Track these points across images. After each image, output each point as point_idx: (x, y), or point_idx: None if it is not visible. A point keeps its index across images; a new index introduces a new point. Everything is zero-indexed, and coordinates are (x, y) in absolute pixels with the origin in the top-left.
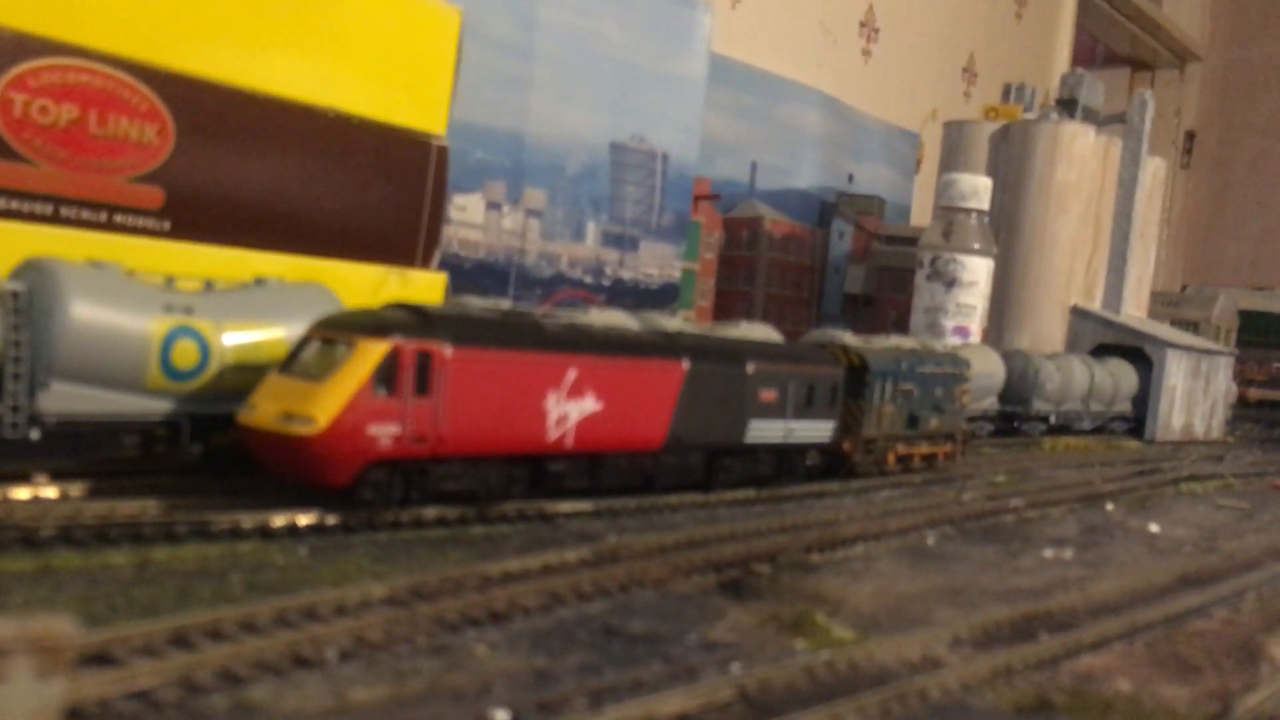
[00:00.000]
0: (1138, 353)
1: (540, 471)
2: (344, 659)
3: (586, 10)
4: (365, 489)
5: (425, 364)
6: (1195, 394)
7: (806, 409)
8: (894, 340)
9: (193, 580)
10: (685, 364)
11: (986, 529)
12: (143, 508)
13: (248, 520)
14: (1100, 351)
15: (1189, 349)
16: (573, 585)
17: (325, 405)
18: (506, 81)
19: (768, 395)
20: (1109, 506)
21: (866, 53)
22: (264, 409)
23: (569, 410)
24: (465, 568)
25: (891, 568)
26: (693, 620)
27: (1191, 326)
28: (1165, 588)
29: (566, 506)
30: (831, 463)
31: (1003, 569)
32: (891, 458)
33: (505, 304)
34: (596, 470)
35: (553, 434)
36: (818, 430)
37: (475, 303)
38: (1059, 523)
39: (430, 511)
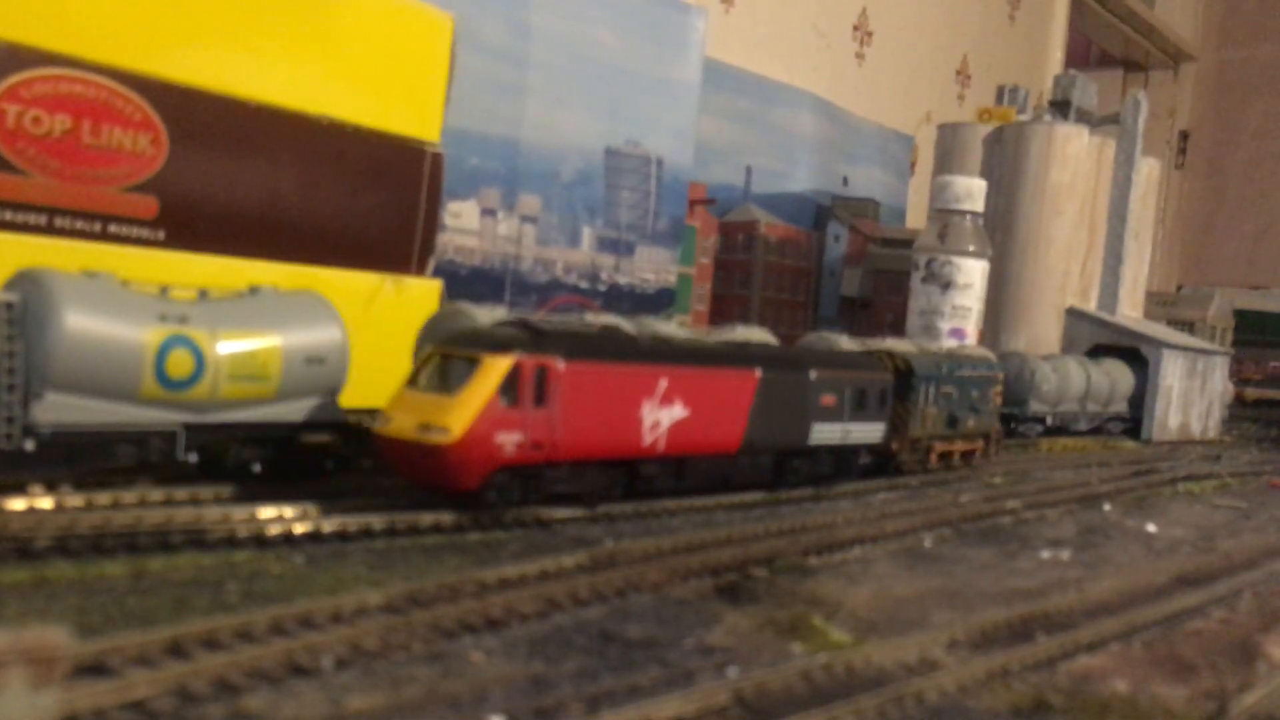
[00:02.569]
0: (1134, 353)
1: (634, 474)
2: (340, 667)
3: (580, 16)
4: (490, 492)
5: (542, 377)
6: (1192, 394)
7: (860, 412)
8: (892, 343)
9: (188, 590)
10: (758, 372)
11: (983, 531)
12: (138, 518)
13: (243, 529)
14: (1096, 352)
15: (1185, 349)
16: (569, 591)
17: (458, 416)
18: (500, 88)
19: (827, 400)
20: (1106, 507)
21: (860, 56)
22: (400, 421)
23: (661, 417)
24: (462, 574)
25: (888, 570)
26: (690, 625)
27: (1187, 326)
28: (1162, 588)
29: (563, 513)
30: (880, 461)
31: (1000, 570)
32: (934, 456)
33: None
34: (682, 472)
35: (647, 439)
36: (870, 431)
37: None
38: (1056, 524)
39: (427, 518)
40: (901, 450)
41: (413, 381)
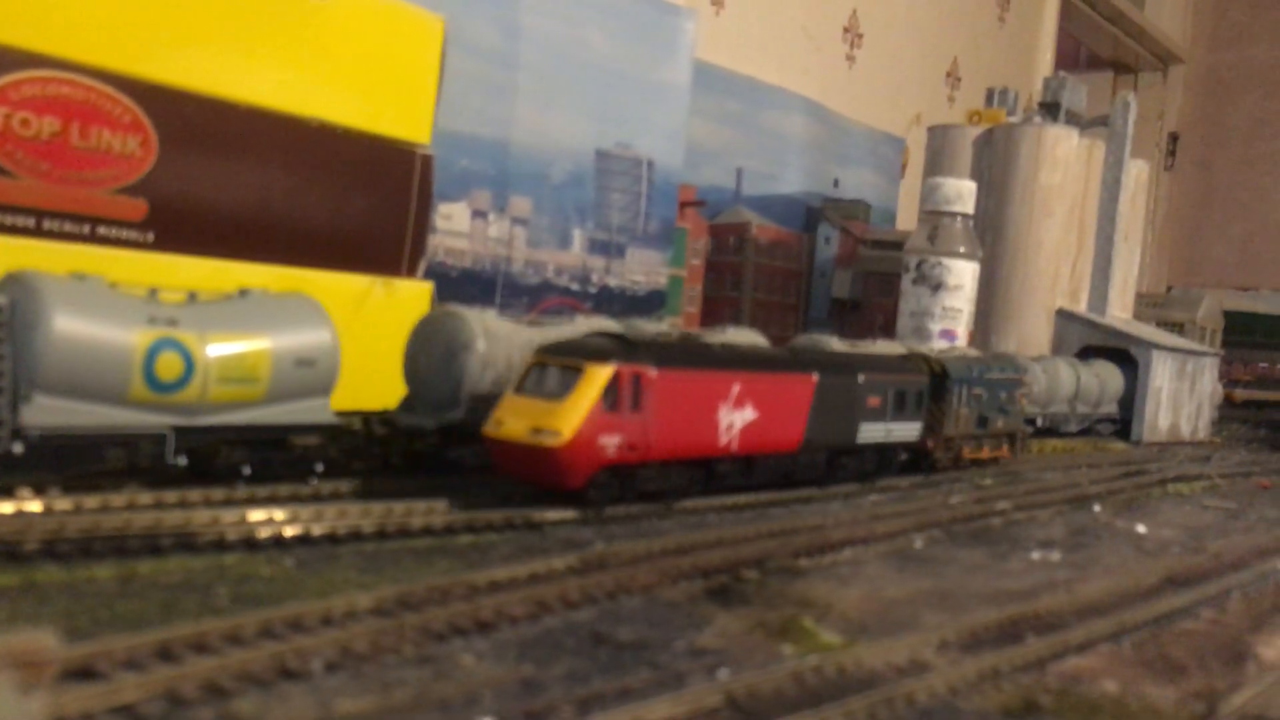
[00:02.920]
0: (1124, 354)
1: (710, 472)
2: (330, 670)
3: (570, 18)
4: (592, 490)
5: (637, 384)
6: (1181, 395)
7: (900, 412)
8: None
9: (178, 593)
10: (815, 377)
11: (974, 532)
12: (127, 521)
13: (233, 532)
14: (1086, 353)
15: (1174, 350)
16: (560, 593)
17: (567, 420)
18: (491, 90)
19: (873, 401)
20: (1096, 508)
21: (850, 58)
22: (511, 425)
23: (734, 419)
24: (452, 577)
25: (879, 572)
26: (680, 627)
27: (1177, 328)
28: (1152, 588)
29: (553, 515)
30: (916, 459)
31: (990, 572)
32: (965, 454)
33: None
34: (750, 470)
35: (723, 440)
36: (909, 431)
37: (644, 325)
38: (1046, 525)
39: (417, 521)
40: (936, 448)
41: (519, 388)
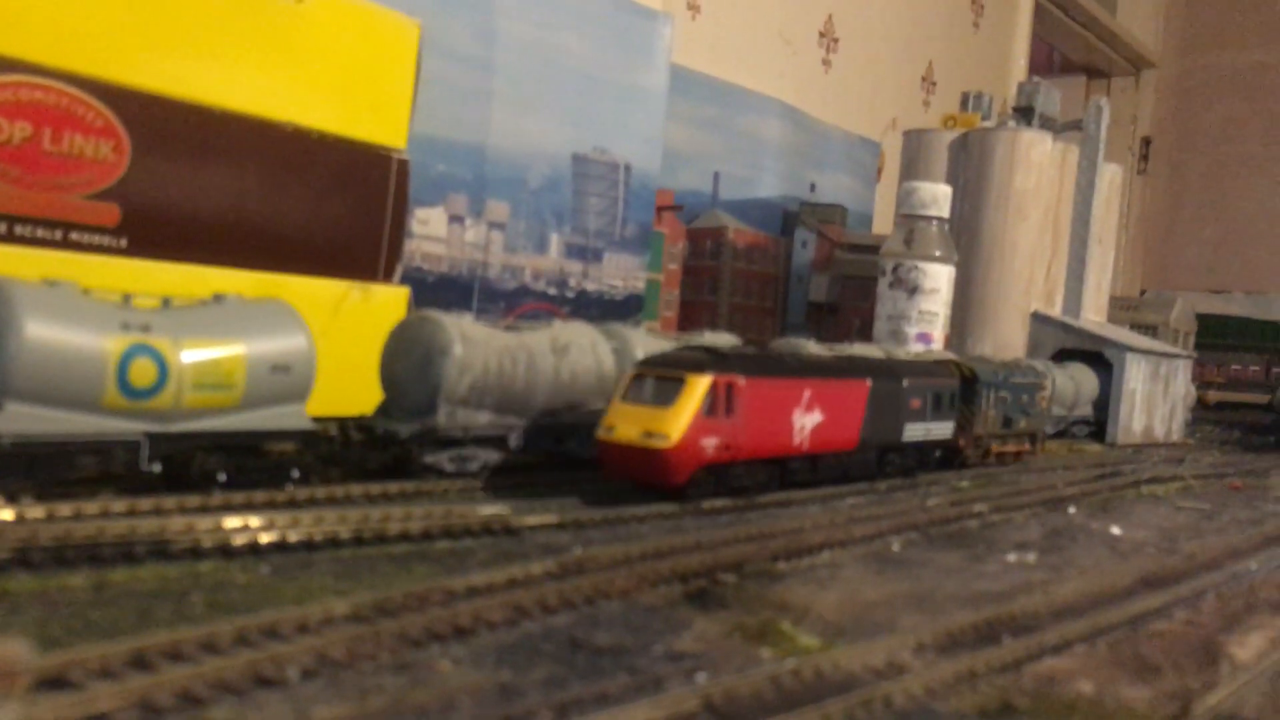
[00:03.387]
0: (1098, 357)
1: (784, 469)
2: (306, 677)
3: (546, 23)
4: (691, 487)
5: (730, 391)
6: (1155, 397)
7: (936, 413)
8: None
9: (152, 601)
10: (869, 382)
11: (951, 534)
12: (100, 529)
13: (208, 539)
14: (1061, 356)
15: (1148, 353)
16: (538, 598)
17: (675, 425)
18: (467, 94)
19: (915, 403)
20: (1071, 510)
21: (826, 63)
22: (623, 430)
23: (805, 422)
24: (429, 583)
25: (857, 575)
26: (659, 631)
27: (1150, 330)
28: (1127, 589)
29: (532, 520)
30: (949, 456)
31: (967, 574)
32: (992, 451)
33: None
34: (816, 467)
35: (796, 440)
36: (944, 430)
37: (718, 338)
38: (1022, 527)
39: (394, 527)
40: (967, 446)
41: (624, 397)
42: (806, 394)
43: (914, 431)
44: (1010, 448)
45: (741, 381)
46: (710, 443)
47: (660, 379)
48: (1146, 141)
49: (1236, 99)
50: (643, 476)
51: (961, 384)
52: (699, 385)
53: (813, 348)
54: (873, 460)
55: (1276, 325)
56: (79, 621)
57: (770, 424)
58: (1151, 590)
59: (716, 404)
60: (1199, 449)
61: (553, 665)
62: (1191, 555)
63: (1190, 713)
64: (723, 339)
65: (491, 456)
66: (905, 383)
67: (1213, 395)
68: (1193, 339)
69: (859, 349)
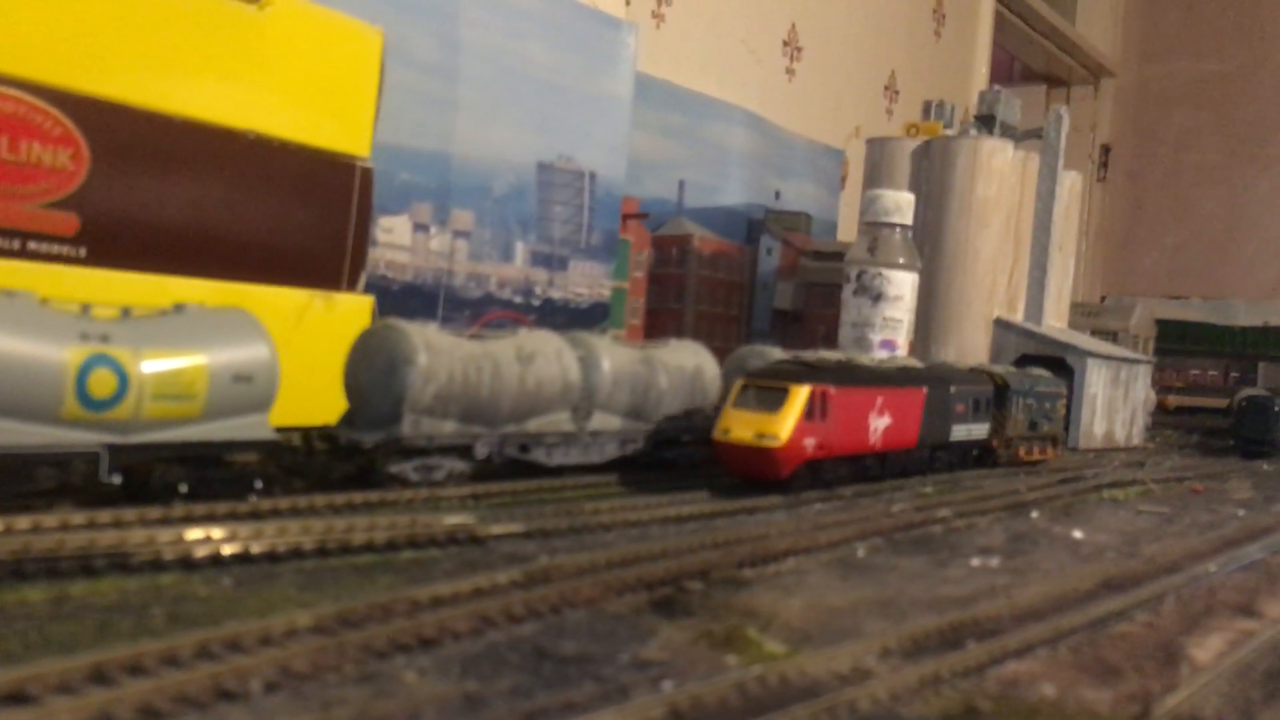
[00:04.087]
0: (1060, 362)
1: (861, 465)
2: (269, 690)
3: (511, 31)
4: (794, 480)
5: (824, 399)
6: (1116, 402)
7: (975, 416)
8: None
9: (112, 614)
10: (925, 389)
11: (915, 540)
12: (59, 541)
13: (169, 551)
14: (1023, 362)
15: (1109, 358)
16: (504, 608)
17: (783, 427)
18: (431, 103)
19: (960, 408)
20: (1034, 514)
21: (790, 71)
22: (738, 432)
23: (878, 424)
24: (394, 593)
25: (822, 581)
26: (625, 639)
27: (1111, 336)
28: (1088, 593)
29: (498, 529)
30: (984, 455)
31: (931, 579)
32: (1020, 452)
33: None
34: (885, 463)
35: (871, 439)
36: (981, 431)
37: (774, 351)
38: (986, 531)
39: (359, 537)
40: (999, 446)
41: (736, 403)
42: (879, 400)
43: (959, 432)
44: (1036, 446)
45: (833, 390)
46: (810, 442)
47: (767, 389)
48: (1106, 149)
49: (1194, 108)
50: (755, 471)
51: (995, 391)
52: (800, 394)
53: (778, 354)
54: (926, 457)
55: (1235, 331)
56: (37, 636)
57: (853, 426)
58: (1113, 593)
59: (814, 409)
60: (1159, 453)
61: (518, 675)
62: (1152, 558)
63: (1151, 714)
64: (688, 348)
65: (457, 466)
66: (952, 390)
67: (1173, 400)
68: (1153, 344)
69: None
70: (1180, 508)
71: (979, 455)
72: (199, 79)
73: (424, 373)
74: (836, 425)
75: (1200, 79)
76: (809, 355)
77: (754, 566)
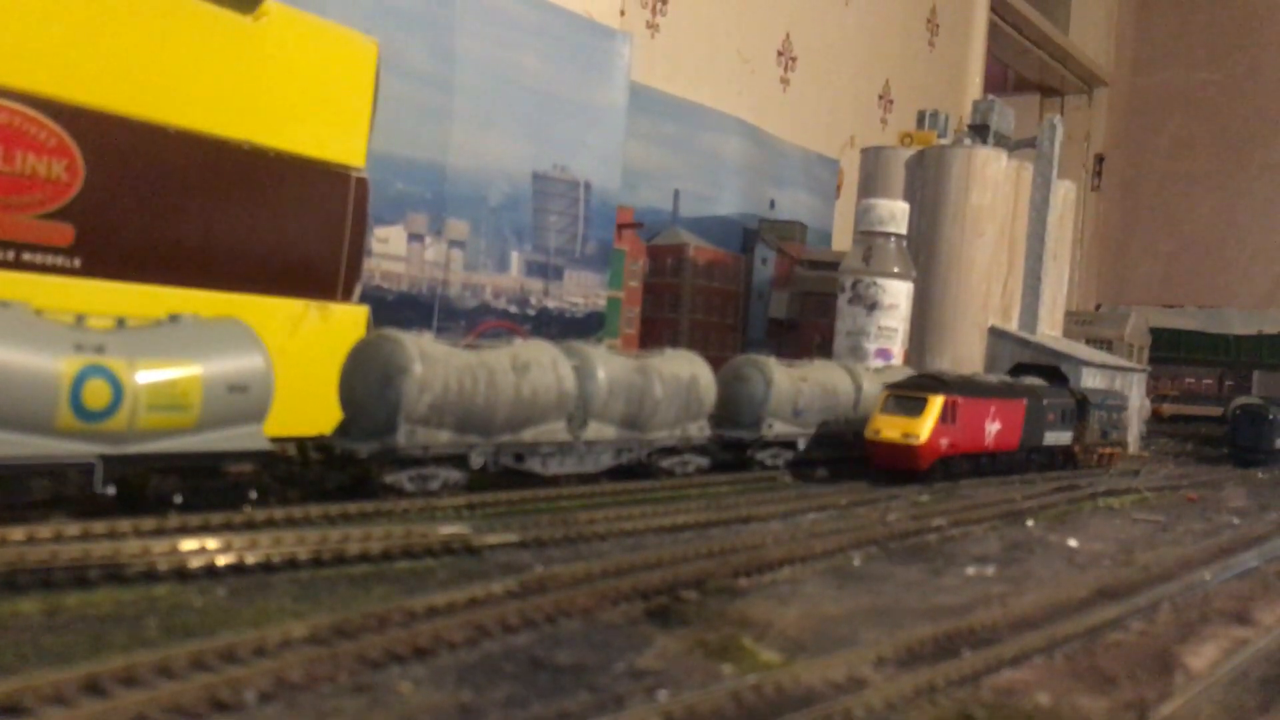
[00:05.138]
0: (1054, 371)
1: (977, 462)
2: (264, 701)
3: (505, 41)
4: (931, 472)
5: (954, 406)
6: None
7: (1061, 424)
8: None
9: (106, 626)
10: (1025, 400)
11: (911, 548)
12: (53, 553)
13: (164, 562)
14: (1018, 371)
15: (1103, 366)
16: (499, 618)
17: (924, 429)
18: (426, 113)
19: (1051, 417)
20: (1029, 523)
21: (785, 81)
22: (887, 432)
23: (991, 429)
24: (389, 603)
25: (818, 590)
26: (620, 649)
27: (1106, 344)
28: (1084, 601)
29: (493, 538)
30: (1066, 458)
31: (926, 588)
32: (1095, 456)
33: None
34: (995, 462)
35: (986, 441)
36: (1066, 437)
37: (769, 360)
38: (981, 540)
39: (354, 547)
40: (1079, 450)
41: (883, 409)
42: (992, 409)
43: (1049, 438)
44: (1106, 451)
45: (960, 400)
46: (943, 441)
47: (909, 398)
48: (1100, 158)
49: (1188, 117)
50: (900, 464)
51: (1077, 404)
52: (936, 402)
53: (775, 364)
54: (1024, 458)
55: (1229, 339)
56: (31, 647)
57: (974, 430)
58: (1108, 602)
59: (946, 415)
60: (1154, 461)
61: (513, 685)
62: (1147, 567)
63: None
64: (683, 357)
65: (452, 475)
66: (1045, 402)
67: (1167, 408)
68: (1147, 353)
69: (818, 366)
70: (1175, 516)
71: (1063, 459)
72: (194, 90)
73: (419, 382)
74: (962, 428)
75: (1193, 88)
76: (938, 371)
77: (749, 575)
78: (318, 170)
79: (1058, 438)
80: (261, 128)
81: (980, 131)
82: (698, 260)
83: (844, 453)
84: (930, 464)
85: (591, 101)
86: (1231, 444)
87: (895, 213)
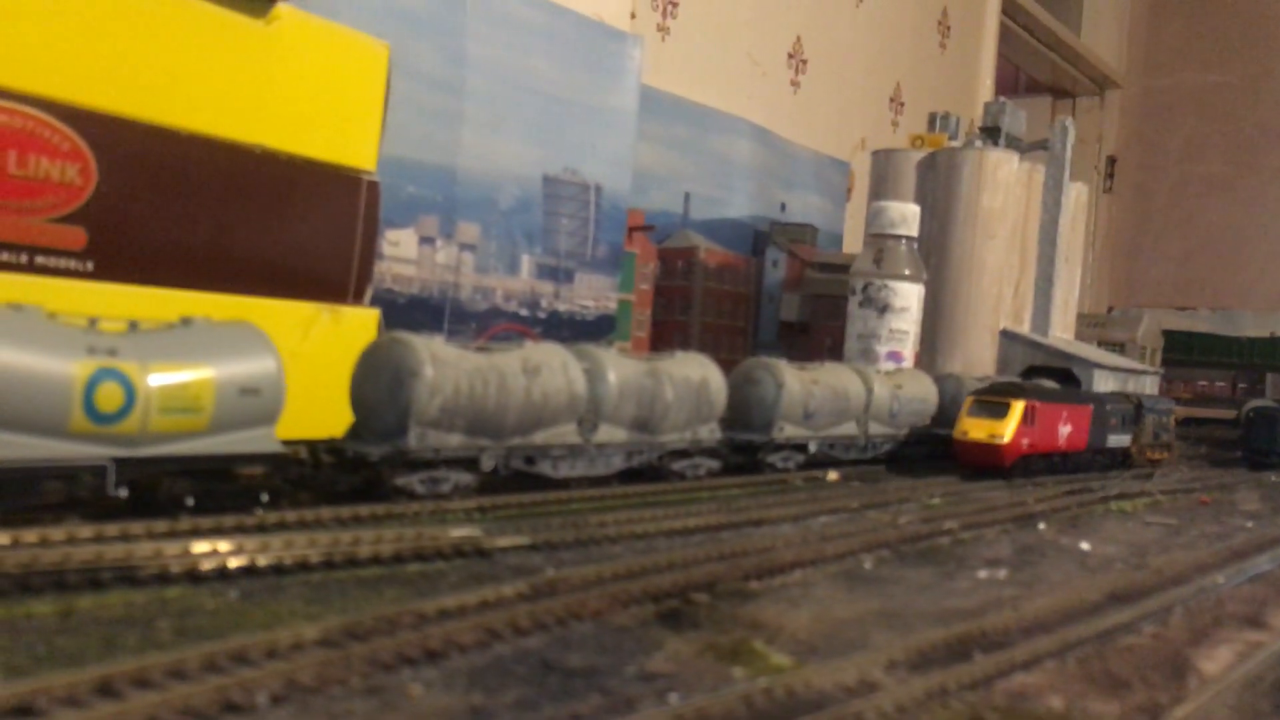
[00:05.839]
0: (1066, 374)
1: (1051, 461)
2: (275, 703)
3: (516, 45)
4: (1013, 469)
5: (1033, 410)
6: None
7: (1121, 428)
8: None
9: (119, 628)
10: (1091, 406)
11: (922, 552)
12: (66, 555)
13: (176, 564)
14: (1030, 373)
15: (1115, 369)
16: (510, 620)
17: (1007, 429)
18: (437, 116)
19: (1113, 421)
20: (1041, 526)
21: (795, 84)
22: (974, 433)
23: (1064, 431)
24: (400, 606)
25: (829, 593)
26: (631, 652)
27: (1118, 347)
28: (1096, 605)
29: (504, 541)
30: (1124, 458)
31: (938, 591)
32: (1148, 455)
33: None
34: (1066, 461)
35: (1060, 442)
36: (1125, 440)
37: (780, 363)
38: (993, 543)
39: (365, 550)
40: (1135, 452)
41: (969, 413)
42: (1064, 413)
43: (1112, 440)
44: (1158, 453)
45: (1038, 404)
46: (1024, 441)
47: (993, 403)
48: (1112, 160)
49: (1200, 119)
50: (987, 462)
51: (1134, 409)
52: (1018, 406)
53: (786, 367)
54: (1090, 458)
55: (1242, 341)
56: (44, 649)
57: (1050, 431)
58: (1120, 605)
59: (1026, 417)
60: (1166, 464)
61: (524, 687)
62: (1159, 570)
63: None
64: (693, 359)
65: (463, 478)
66: (1108, 407)
67: (1180, 411)
68: (1160, 355)
69: (828, 368)
70: (1188, 519)
71: (1121, 459)
72: (206, 93)
73: (430, 385)
74: (1040, 430)
75: (1205, 90)
76: (1016, 381)
77: (760, 579)
78: (329, 173)
79: (1118, 440)
80: (273, 131)
81: (992, 134)
82: (708, 263)
83: (934, 449)
84: (1013, 461)
85: (602, 104)
86: (1245, 447)
87: (906, 215)
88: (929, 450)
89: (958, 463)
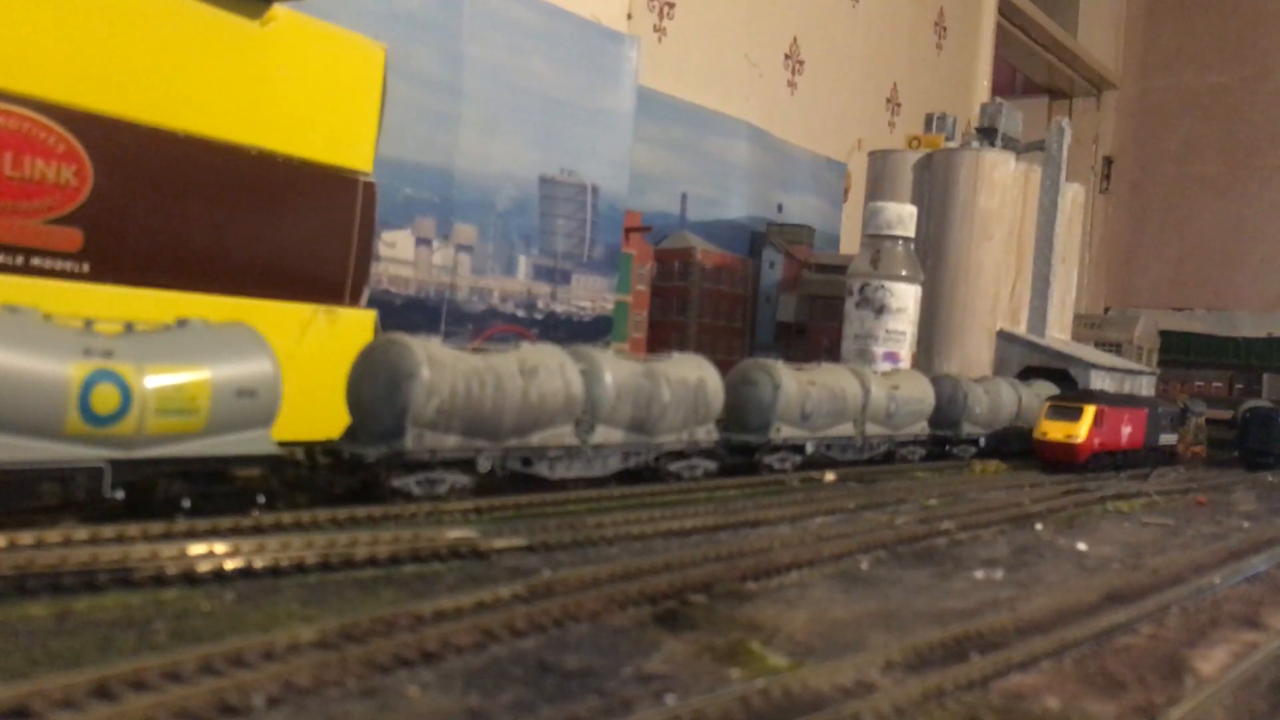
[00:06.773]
0: (1063, 374)
1: (1115, 457)
2: (272, 705)
3: (513, 46)
4: (1087, 465)
5: (1102, 413)
6: None
7: (1170, 428)
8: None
9: (115, 630)
10: (1146, 409)
11: (919, 552)
12: (62, 557)
13: (172, 566)
14: (1027, 374)
15: (1112, 369)
16: (506, 622)
17: (1082, 430)
18: (434, 117)
19: (1164, 423)
20: (1038, 527)
21: (792, 85)
22: (1052, 434)
23: (1126, 431)
24: (397, 607)
25: (826, 594)
26: (628, 653)
27: (1114, 347)
28: (1093, 605)
29: (500, 543)
30: (1170, 455)
31: (935, 591)
32: (1191, 452)
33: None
34: (1127, 458)
35: (1123, 441)
36: (1173, 439)
37: (777, 364)
38: (990, 544)
39: (361, 551)
40: (1181, 450)
41: (1048, 415)
42: (1126, 416)
43: (1163, 439)
44: (1197, 450)
45: (1107, 408)
46: (1096, 441)
47: (1068, 407)
48: (1108, 161)
49: (1196, 120)
50: (1064, 459)
51: (1180, 411)
52: (1090, 410)
53: (783, 368)
54: (1145, 454)
55: (1239, 342)
56: (40, 651)
57: (1115, 432)
58: (1117, 605)
59: (1097, 420)
60: (1163, 465)
61: (521, 689)
62: (1156, 570)
63: None
64: (690, 361)
65: (459, 479)
66: (1160, 409)
67: None
68: (1156, 356)
69: (825, 369)
70: (1184, 520)
71: (1168, 456)
72: (202, 95)
73: (427, 387)
74: (1108, 431)
75: (1202, 91)
76: (1088, 389)
77: (757, 579)
78: (326, 175)
79: (1168, 439)
80: (269, 132)
81: (988, 134)
82: (705, 264)
83: (1015, 447)
84: (1087, 458)
85: (599, 106)
86: (1241, 448)
87: (903, 216)
88: (926, 451)
89: (1037, 460)
